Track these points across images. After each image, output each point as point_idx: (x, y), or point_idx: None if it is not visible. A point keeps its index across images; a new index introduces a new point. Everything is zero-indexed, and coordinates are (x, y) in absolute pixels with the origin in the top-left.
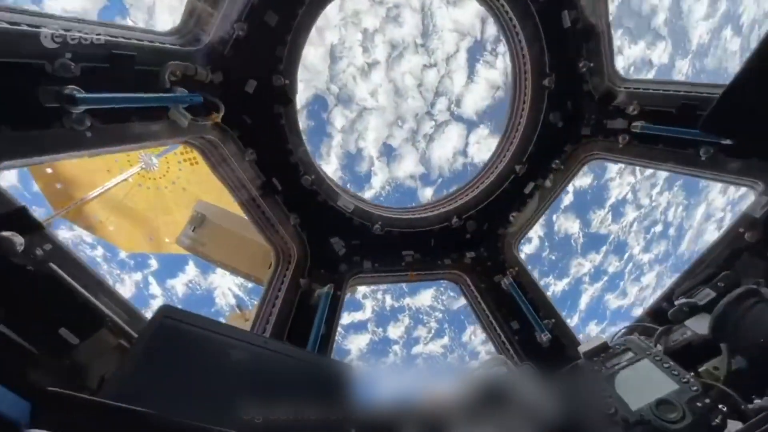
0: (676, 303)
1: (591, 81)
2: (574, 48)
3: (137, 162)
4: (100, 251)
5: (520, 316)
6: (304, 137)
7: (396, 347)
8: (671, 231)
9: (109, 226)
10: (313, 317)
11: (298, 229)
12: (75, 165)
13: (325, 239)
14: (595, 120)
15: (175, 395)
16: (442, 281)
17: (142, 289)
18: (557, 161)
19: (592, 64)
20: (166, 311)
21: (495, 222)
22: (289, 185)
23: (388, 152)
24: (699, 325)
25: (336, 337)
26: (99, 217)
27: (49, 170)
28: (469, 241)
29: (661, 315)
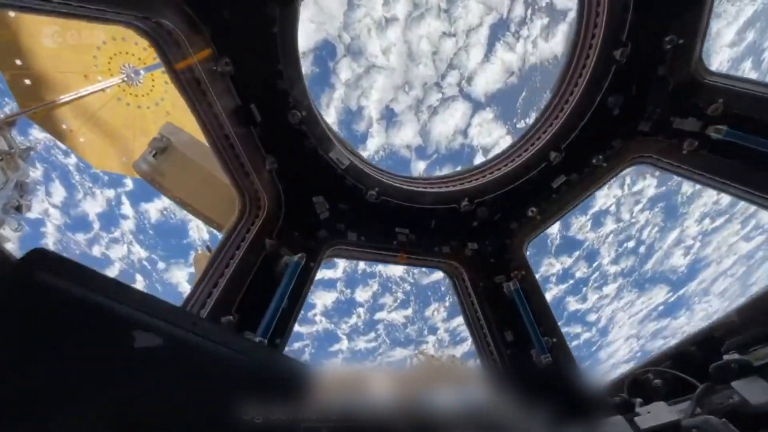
0: (724, 357)
1: (672, 64)
2: (667, 16)
3: (118, 73)
4: (73, 160)
5: (518, 328)
6: (302, 61)
7: (361, 310)
8: (642, 249)
9: (80, 137)
10: (275, 288)
11: (274, 177)
12: (48, 61)
13: (306, 196)
14: (660, 115)
15: (34, 396)
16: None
17: (114, 207)
18: (600, 157)
19: (681, 41)
20: (39, 258)
21: (510, 213)
22: (272, 118)
23: (389, 116)
24: (752, 391)
25: (299, 316)
26: (70, 125)
27: (18, 61)
28: (475, 230)
29: (686, 361)
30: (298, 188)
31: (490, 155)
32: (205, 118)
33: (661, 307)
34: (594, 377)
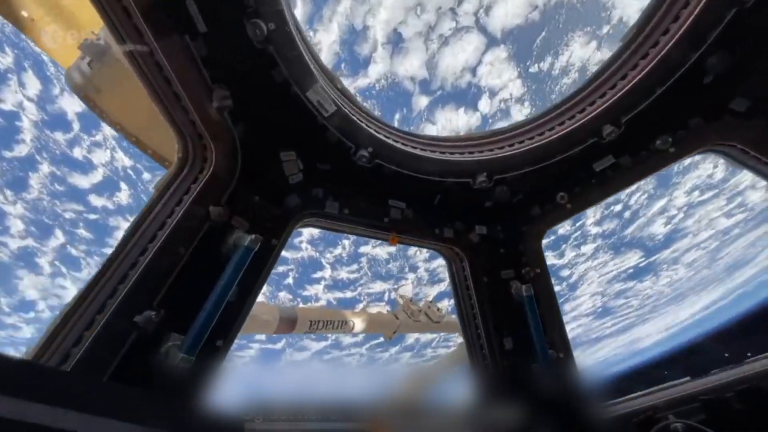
0: None
1: None
2: None
3: None
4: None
5: (521, 336)
6: None
7: (346, 242)
8: (627, 214)
9: (43, 28)
10: (217, 274)
11: (227, 120)
12: None
13: (271, 150)
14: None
15: None
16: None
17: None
18: (669, 138)
19: None
20: None
21: (534, 197)
22: (222, 29)
23: (396, 41)
24: None
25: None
26: (30, 12)
27: None
28: (487, 211)
29: (718, 409)
30: (261, 138)
31: (520, 118)
32: (111, 13)
33: (630, 270)
34: (601, 403)
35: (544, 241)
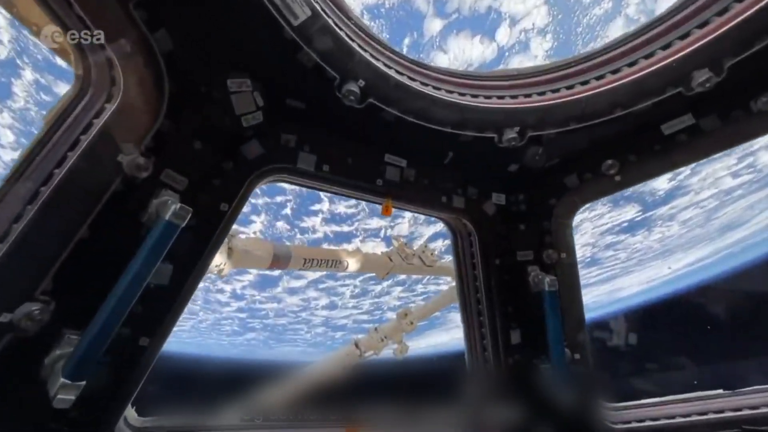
0: None
1: None
2: None
3: None
4: None
5: (531, 329)
6: None
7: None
8: None
9: None
10: (129, 253)
11: (136, 19)
12: None
13: (215, 73)
14: None
15: None
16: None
17: None
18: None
19: None
20: None
21: (574, 162)
22: None
23: None
24: None
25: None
26: None
27: None
28: (509, 177)
29: None
30: (197, 54)
31: (540, 53)
32: None
33: (625, 224)
34: (617, 413)
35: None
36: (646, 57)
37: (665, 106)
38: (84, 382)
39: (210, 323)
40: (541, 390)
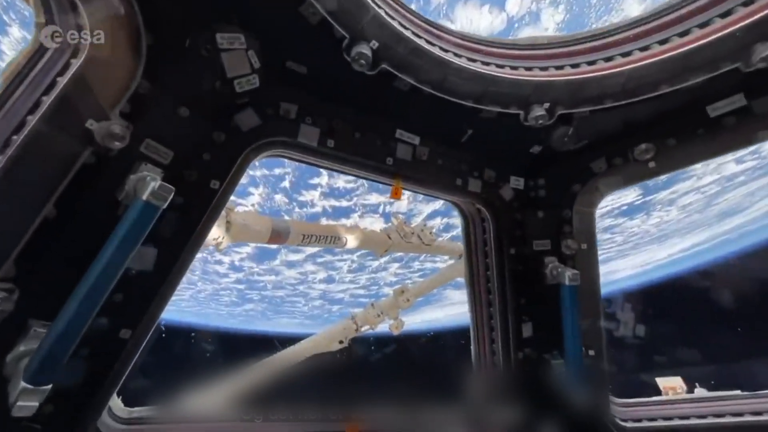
0: None
1: None
2: None
3: None
4: None
5: (545, 324)
6: None
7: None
8: None
9: None
10: (104, 235)
11: None
12: None
13: (203, 24)
14: None
15: None
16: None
17: None
18: None
19: None
20: None
21: (604, 144)
22: None
23: None
24: None
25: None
26: None
27: None
28: (531, 159)
29: None
30: (183, 1)
31: (551, 25)
32: None
33: (624, 207)
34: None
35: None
36: (701, 26)
37: (716, 84)
38: (50, 386)
39: (209, 293)
40: (550, 386)
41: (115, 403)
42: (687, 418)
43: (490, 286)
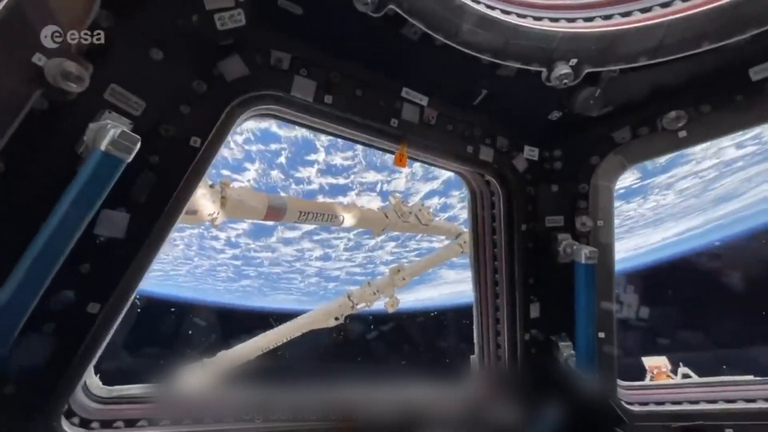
0: None
1: None
2: None
3: None
4: None
5: (554, 305)
6: None
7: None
8: None
9: None
10: (59, 193)
11: None
12: None
13: None
14: None
15: None
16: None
17: None
18: None
19: None
20: None
21: (630, 111)
22: None
23: None
24: None
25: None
26: None
27: None
28: (548, 126)
29: None
30: None
31: None
32: None
33: (622, 191)
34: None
35: None
36: None
37: (763, 41)
38: None
39: (205, 269)
40: (557, 369)
41: (93, 380)
42: (697, 402)
43: (497, 264)
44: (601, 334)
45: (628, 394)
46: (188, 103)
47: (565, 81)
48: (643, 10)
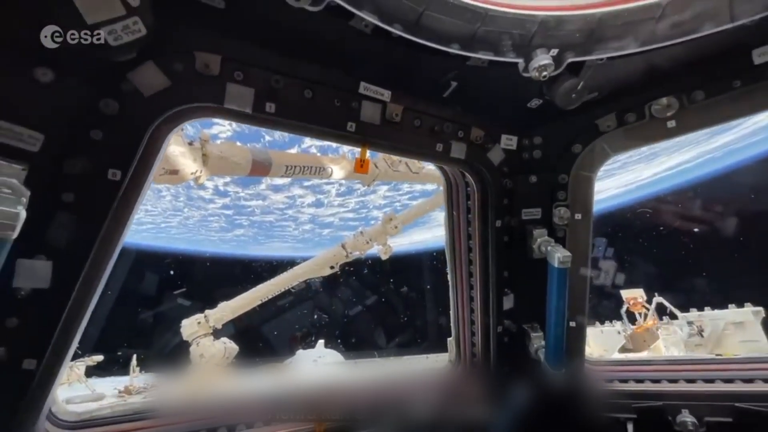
0: None
1: None
2: None
3: None
4: None
5: (527, 296)
6: None
7: None
8: None
9: None
10: None
11: None
12: None
13: None
14: None
15: None
16: None
17: None
18: None
19: None
20: None
21: (616, 98)
22: None
23: None
24: None
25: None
26: None
27: None
28: (527, 114)
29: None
30: None
31: None
32: None
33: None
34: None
35: None
36: None
37: None
38: None
39: (197, 220)
40: (528, 357)
41: (58, 406)
42: (658, 381)
43: (471, 256)
44: (572, 323)
45: (593, 370)
46: (99, 128)
47: (545, 72)
48: None
